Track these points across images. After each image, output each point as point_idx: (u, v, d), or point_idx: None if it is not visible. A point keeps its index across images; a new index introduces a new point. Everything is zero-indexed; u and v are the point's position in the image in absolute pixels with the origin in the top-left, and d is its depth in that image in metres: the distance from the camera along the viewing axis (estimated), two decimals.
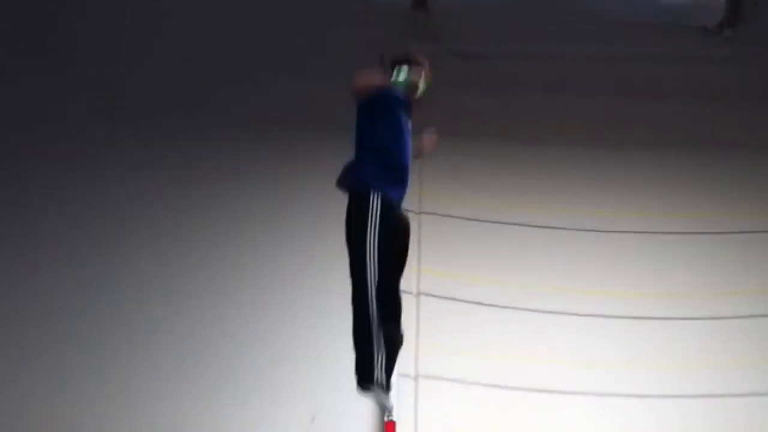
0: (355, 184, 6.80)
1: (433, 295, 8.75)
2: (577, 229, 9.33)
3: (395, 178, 6.83)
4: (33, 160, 9.73)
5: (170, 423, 8.45)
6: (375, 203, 6.68)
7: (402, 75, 6.92)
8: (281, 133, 9.98)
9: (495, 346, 8.66)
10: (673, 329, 8.78)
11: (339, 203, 6.88)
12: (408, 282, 8.64)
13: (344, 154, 6.83)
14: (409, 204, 8.99)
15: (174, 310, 8.91)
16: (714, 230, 9.42)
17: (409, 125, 6.97)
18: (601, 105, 9.68)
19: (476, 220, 9.15)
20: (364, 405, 8.45)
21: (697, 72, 10.93)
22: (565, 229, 9.25)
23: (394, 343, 6.80)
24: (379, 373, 6.70)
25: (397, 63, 7.13)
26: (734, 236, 9.49)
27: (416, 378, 8.46)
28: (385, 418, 8.23)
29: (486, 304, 8.74)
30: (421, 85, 7.08)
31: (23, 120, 9.81)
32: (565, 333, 8.73)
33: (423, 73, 7.08)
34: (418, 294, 8.43)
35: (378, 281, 6.64)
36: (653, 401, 8.56)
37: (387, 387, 6.82)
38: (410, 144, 6.95)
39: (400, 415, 8.42)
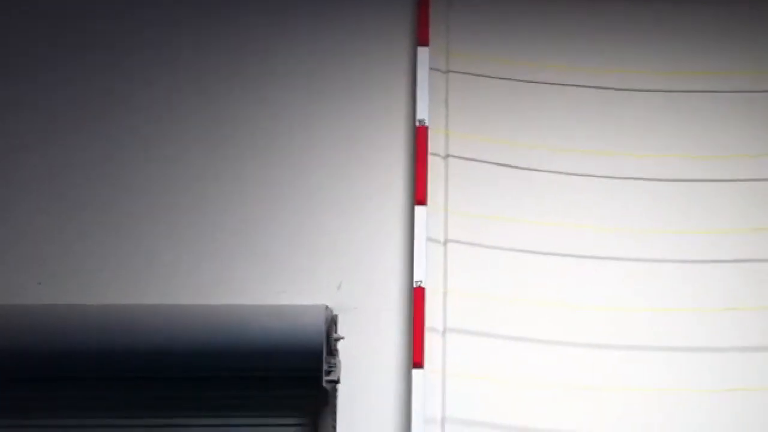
0: None
1: (462, 158, 8.66)
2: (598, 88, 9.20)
3: None
4: None
5: (194, 286, 8.45)
6: None
7: None
8: None
9: (526, 210, 8.60)
10: (711, 190, 8.67)
11: None
12: (436, 143, 8.56)
13: None
14: (436, 64, 8.83)
15: (200, 164, 8.80)
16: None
17: None
18: None
19: (506, 78, 9.05)
20: (391, 274, 8.43)
21: None
22: (588, 87, 9.13)
23: None
24: None
25: None
26: None
27: (445, 243, 8.41)
28: (414, 284, 8.22)
29: (514, 167, 8.65)
30: None
31: None
32: (599, 198, 8.66)
33: None
34: (447, 156, 8.34)
35: None
36: (701, 266, 8.52)
37: None
38: None
39: (428, 280, 8.39)
